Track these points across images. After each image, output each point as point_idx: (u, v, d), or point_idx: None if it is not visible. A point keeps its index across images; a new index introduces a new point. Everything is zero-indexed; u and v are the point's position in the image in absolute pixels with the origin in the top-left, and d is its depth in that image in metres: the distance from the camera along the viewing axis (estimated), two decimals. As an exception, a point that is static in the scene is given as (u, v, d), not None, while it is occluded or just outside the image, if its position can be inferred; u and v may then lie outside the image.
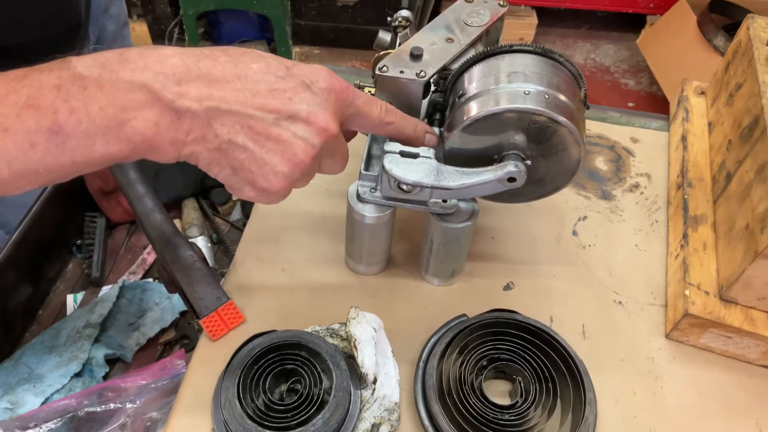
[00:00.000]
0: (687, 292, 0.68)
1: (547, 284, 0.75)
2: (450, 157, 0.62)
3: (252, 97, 0.47)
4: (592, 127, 0.94)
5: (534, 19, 2.81)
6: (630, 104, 2.68)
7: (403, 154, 0.60)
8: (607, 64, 2.89)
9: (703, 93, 0.92)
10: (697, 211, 0.77)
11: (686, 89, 0.93)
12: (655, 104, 2.64)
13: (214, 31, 2.79)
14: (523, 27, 2.78)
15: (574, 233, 0.81)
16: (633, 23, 2.91)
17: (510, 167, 0.58)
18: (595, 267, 0.77)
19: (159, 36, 2.70)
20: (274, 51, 2.73)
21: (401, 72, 0.62)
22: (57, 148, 0.42)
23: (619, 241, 0.80)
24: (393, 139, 0.60)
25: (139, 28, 2.70)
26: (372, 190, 0.64)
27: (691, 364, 0.69)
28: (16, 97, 0.41)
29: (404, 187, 0.60)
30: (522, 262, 0.77)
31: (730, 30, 2.23)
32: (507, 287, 0.74)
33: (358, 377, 0.62)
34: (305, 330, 0.66)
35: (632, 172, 0.89)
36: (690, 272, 0.70)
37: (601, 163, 0.89)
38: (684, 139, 0.86)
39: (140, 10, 2.67)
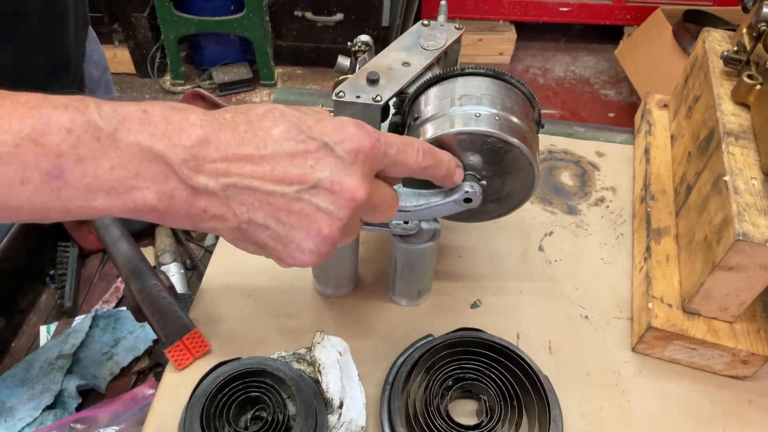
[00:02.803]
0: (650, 305, 0.69)
1: (513, 301, 0.76)
2: (409, 179, 0.63)
3: (271, 170, 0.44)
4: (558, 142, 0.95)
5: (513, 34, 2.84)
6: (610, 114, 2.71)
7: (360, 178, 0.61)
8: (587, 75, 2.92)
9: (665, 106, 0.94)
10: (659, 223, 0.78)
11: (649, 102, 0.95)
12: (635, 114, 2.67)
13: (195, 54, 2.80)
14: (503, 42, 2.81)
15: (541, 249, 0.81)
16: (611, 35, 2.95)
17: (465, 188, 0.59)
18: (562, 282, 0.78)
19: (141, 61, 2.72)
20: (256, 72, 2.75)
21: (358, 97, 0.63)
22: (51, 192, 0.39)
23: (585, 255, 0.81)
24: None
25: (121, 54, 2.71)
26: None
27: (658, 377, 0.69)
28: (20, 125, 0.37)
29: (363, 210, 0.60)
30: (489, 279, 0.77)
31: (705, 39, 2.26)
32: (474, 305, 0.75)
33: (324, 402, 0.63)
34: (271, 356, 0.66)
35: (597, 186, 0.90)
36: (653, 285, 0.71)
37: (566, 178, 0.90)
38: (647, 152, 0.87)
39: (122, 36, 2.69)
